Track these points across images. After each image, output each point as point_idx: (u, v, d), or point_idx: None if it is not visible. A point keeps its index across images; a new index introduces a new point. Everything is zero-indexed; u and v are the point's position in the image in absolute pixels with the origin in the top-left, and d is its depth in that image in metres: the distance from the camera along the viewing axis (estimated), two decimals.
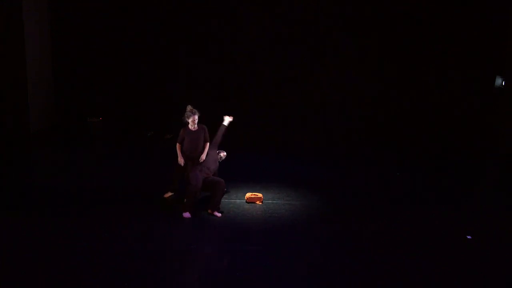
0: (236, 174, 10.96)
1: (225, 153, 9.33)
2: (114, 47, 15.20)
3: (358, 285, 6.45)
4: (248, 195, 9.24)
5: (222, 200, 9.23)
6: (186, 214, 8.29)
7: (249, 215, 8.68)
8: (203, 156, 8.80)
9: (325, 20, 14.85)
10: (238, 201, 9.26)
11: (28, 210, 8.58)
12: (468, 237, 7.79)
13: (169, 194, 9.23)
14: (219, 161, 9.18)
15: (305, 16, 14.90)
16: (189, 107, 8.79)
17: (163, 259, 6.92)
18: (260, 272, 6.69)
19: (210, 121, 15.03)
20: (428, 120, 14.73)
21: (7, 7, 13.18)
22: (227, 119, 9.34)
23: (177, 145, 8.88)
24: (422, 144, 13.83)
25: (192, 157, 8.82)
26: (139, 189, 9.84)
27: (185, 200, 8.46)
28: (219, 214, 8.46)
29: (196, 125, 8.82)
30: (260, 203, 9.15)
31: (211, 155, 8.96)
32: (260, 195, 9.28)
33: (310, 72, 15.12)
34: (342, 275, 6.65)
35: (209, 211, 8.46)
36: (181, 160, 8.81)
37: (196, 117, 8.75)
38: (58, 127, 15.14)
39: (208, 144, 8.95)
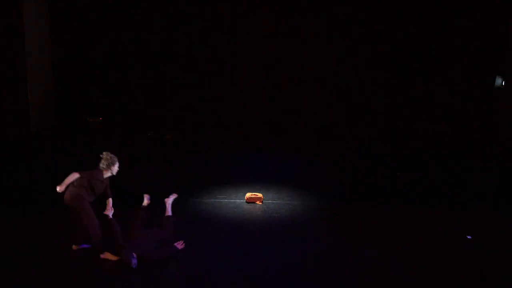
0: (236, 174, 10.97)
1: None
2: (114, 47, 15.20)
3: (358, 285, 6.45)
4: (248, 195, 9.24)
5: (222, 200, 9.27)
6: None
7: (249, 215, 8.67)
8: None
9: (325, 19, 14.85)
10: (238, 201, 9.26)
11: (28, 210, 8.57)
12: (468, 237, 7.79)
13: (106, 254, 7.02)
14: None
15: (305, 14, 14.90)
16: (108, 154, 7.05)
17: (163, 259, 6.91)
18: (260, 272, 6.69)
19: (209, 121, 15.22)
20: (428, 119, 14.72)
21: (7, 7, 13.19)
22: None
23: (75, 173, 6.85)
24: (422, 144, 13.81)
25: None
26: (139, 189, 9.82)
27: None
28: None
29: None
30: (260, 203, 9.14)
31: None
32: (260, 195, 9.27)
33: (311, 71, 15.11)
34: (342, 275, 6.64)
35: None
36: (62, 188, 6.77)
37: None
38: (58, 127, 15.14)
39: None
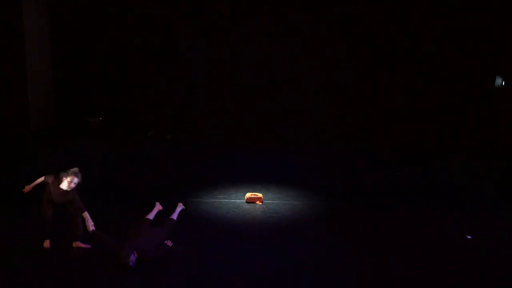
0: (236, 173, 10.97)
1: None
2: (114, 47, 15.20)
3: (358, 285, 6.45)
4: (248, 195, 9.25)
5: (222, 200, 9.28)
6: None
7: (249, 215, 8.68)
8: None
9: (325, 19, 14.86)
10: (238, 201, 9.26)
11: (28, 210, 8.57)
12: (468, 237, 7.79)
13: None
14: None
15: (305, 14, 14.91)
16: (75, 169, 7.14)
17: (162, 259, 6.92)
18: (260, 272, 6.69)
19: (209, 121, 15.22)
20: (428, 119, 14.71)
21: (7, 7, 13.19)
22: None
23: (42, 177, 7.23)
24: (422, 144, 13.81)
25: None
26: (139, 189, 9.84)
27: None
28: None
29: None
30: (260, 203, 9.15)
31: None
32: (260, 195, 9.28)
33: (311, 71, 15.12)
34: (342, 275, 6.65)
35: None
36: (28, 188, 7.30)
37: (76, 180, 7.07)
38: (58, 127, 15.14)
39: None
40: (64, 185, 7.01)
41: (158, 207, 7.98)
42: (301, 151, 13.18)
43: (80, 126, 14.99)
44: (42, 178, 7.22)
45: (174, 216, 7.72)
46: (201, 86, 15.29)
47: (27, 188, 7.29)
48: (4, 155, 12.24)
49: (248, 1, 14.98)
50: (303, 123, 15.06)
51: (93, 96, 15.39)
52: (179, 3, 15.06)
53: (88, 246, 7.22)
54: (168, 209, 7.99)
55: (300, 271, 6.75)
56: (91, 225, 6.93)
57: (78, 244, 7.24)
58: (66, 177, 7.01)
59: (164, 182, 10.30)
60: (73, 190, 7.05)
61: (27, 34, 13.63)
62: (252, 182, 10.24)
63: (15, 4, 13.31)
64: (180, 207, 7.98)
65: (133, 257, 6.57)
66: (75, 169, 7.11)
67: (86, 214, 7.05)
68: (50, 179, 7.14)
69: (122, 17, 15.12)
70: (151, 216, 7.71)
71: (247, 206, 9.04)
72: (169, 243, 7.20)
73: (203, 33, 15.10)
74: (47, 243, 7.27)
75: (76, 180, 7.02)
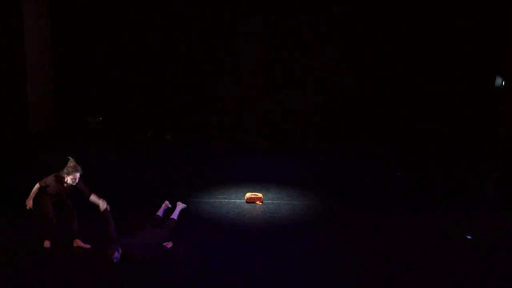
0: (236, 174, 10.97)
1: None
2: (114, 47, 15.20)
3: (358, 285, 6.45)
4: (248, 195, 9.24)
5: (222, 200, 9.28)
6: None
7: (249, 215, 8.68)
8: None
9: (325, 19, 14.85)
10: (238, 201, 9.26)
11: (28, 210, 8.56)
12: (468, 237, 7.79)
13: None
14: None
15: (305, 14, 14.90)
16: (72, 163, 7.07)
17: (162, 259, 6.92)
18: (260, 272, 6.69)
19: (209, 121, 15.22)
20: (428, 119, 14.71)
21: (7, 7, 13.20)
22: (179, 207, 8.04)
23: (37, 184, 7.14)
24: (422, 144, 13.81)
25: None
26: (139, 189, 9.84)
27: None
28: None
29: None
30: (260, 203, 9.15)
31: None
32: (260, 195, 9.28)
33: (311, 71, 15.11)
34: (342, 275, 6.64)
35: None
36: (29, 202, 7.15)
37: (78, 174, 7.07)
38: (58, 127, 15.13)
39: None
40: (68, 181, 7.02)
41: (166, 203, 8.03)
42: (301, 151, 13.18)
43: (80, 126, 14.99)
44: (37, 185, 7.12)
45: (175, 215, 7.72)
46: (201, 86, 15.29)
47: (28, 202, 7.13)
48: (4, 155, 12.24)
49: (248, 1, 14.98)
50: (303, 123, 15.06)
51: (93, 96, 15.39)
52: (179, 3, 15.05)
53: (88, 246, 7.22)
54: (169, 209, 7.98)
55: (300, 271, 6.75)
56: (103, 204, 7.00)
57: (78, 243, 7.25)
58: (68, 175, 7.00)
59: (164, 182, 10.30)
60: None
61: (27, 34, 13.63)
62: (252, 182, 10.24)
63: (15, 4, 13.30)
64: (180, 206, 7.96)
65: (117, 254, 6.59)
66: (72, 164, 7.04)
67: (93, 196, 7.11)
68: (49, 180, 7.08)
69: (122, 17, 15.11)
70: (160, 212, 7.78)
71: (247, 206, 9.04)
72: (169, 244, 7.19)
73: (203, 33, 15.09)
74: (47, 243, 7.27)
75: (78, 174, 7.04)
